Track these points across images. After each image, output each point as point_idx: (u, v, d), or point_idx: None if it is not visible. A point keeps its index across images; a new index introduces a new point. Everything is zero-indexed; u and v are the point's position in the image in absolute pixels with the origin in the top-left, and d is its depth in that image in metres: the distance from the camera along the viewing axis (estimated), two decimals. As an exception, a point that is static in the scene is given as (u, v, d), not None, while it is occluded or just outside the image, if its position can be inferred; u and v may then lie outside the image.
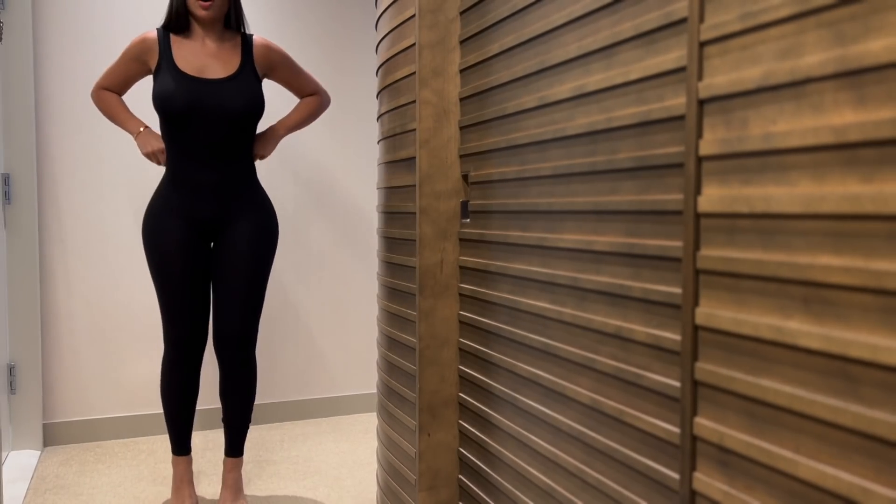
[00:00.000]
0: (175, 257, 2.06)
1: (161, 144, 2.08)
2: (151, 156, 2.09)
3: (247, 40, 2.14)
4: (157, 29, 2.09)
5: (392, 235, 1.69)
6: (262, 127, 2.85)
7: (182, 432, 2.20)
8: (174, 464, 2.21)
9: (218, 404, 3.05)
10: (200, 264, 2.10)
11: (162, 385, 2.17)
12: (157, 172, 2.92)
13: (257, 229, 2.12)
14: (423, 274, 1.48)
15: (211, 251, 2.14)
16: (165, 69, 2.04)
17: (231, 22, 2.11)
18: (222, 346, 2.13)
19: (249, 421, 2.22)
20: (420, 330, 1.48)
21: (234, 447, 2.21)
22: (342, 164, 3.23)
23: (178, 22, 2.08)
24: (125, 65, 2.11)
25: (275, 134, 2.22)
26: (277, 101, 3.04)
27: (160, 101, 2.02)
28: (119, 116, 2.15)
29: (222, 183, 2.07)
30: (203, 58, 2.07)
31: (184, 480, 2.21)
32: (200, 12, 2.03)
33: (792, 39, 0.70)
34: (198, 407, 2.98)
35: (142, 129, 2.10)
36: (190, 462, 2.23)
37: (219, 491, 2.38)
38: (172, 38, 2.08)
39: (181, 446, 2.21)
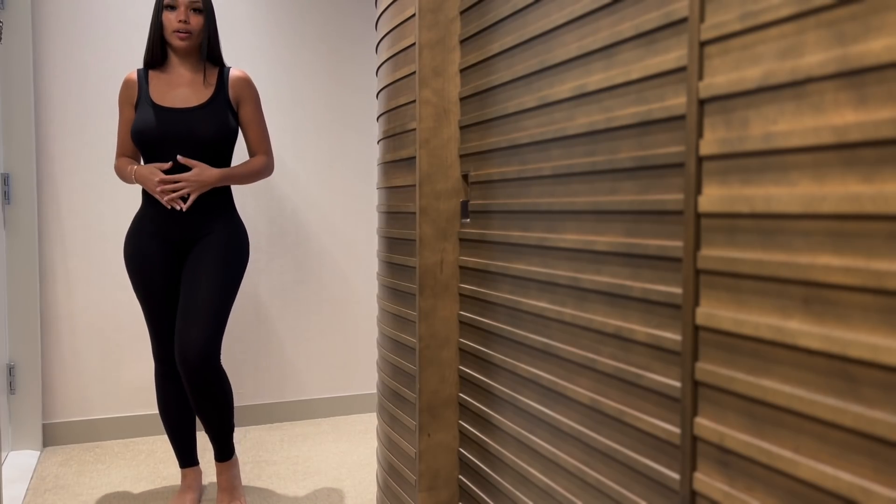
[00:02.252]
0: (156, 279, 2.10)
1: (158, 175, 2.03)
2: (162, 192, 2.02)
3: (223, 71, 2.18)
4: (138, 69, 2.15)
5: (392, 235, 1.69)
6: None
7: (185, 444, 2.22)
8: (182, 476, 2.25)
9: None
10: (179, 282, 2.14)
11: (158, 401, 2.20)
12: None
13: (223, 247, 2.10)
14: (423, 274, 1.48)
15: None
16: (143, 103, 2.10)
17: (204, 53, 2.13)
18: (183, 363, 2.01)
19: (231, 427, 2.17)
20: (420, 330, 1.48)
21: (222, 453, 2.20)
22: (342, 163, 3.23)
23: (154, 55, 2.13)
24: (121, 115, 2.15)
25: (209, 182, 2.07)
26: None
27: (136, 135, 2.07)
28: (124, 173, 2.14)
29: (197, 206, 2.09)
30: (176, 88, 2.12)
31: (191, 487, 2.24)
32: (178, 43, 2.08)
33: (792, 39, 0.70)
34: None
35: (134, 168, 2.07)
36: (199, 473, 2.27)
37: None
38: (151, 73, 2.14)
39: (187, 458, 2.24)
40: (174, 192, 2.03)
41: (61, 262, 2.82)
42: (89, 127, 2.83)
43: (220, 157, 2.13)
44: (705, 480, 0.82)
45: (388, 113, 1.70)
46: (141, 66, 2.17)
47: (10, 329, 2.69)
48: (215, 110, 2.11)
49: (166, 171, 2.06)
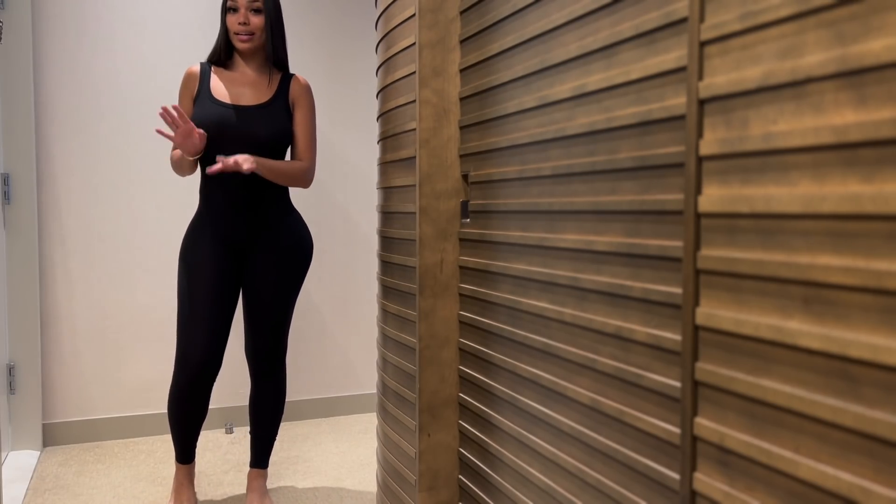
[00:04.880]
0: (203, 276, 2.09)
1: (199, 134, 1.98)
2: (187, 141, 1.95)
3: (287, 76, 2.19)
4: (202, 63, 2.16)
5: (392, 235, 1.69)
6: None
7: (188, 445, 2.22)
8: (177, 468, 2.24)
9: (219, 405, 3.05)
10: (228, 285, 2.13)
11: (171, 409, 2.14)
12: (158, 172, 2.92)
13: (287, 250, 2.16)
14: (423, 274, 1.48)
15: (241, 270, 2.17)
16: (202, 98, 2.11)
17: (270, 53, 2.14)
18: (254, 360, 2.21)
19: (276, 433, 2.28)
20: (420, 330, 1.48)
21: (260, 459, 2.27)
22: (342, 163, 3.23)
23: (220, 56, 2.16)
24: (182, 105, 2.14)
25: (254, 162, 2.00)
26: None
27: None
28: (176, 162, 2.10)
29: (253, 205, 2.11)
30: (238, 86, 2.14)
31: (183, 484, 2.23)
32: (240, 45, 2.11)
33: (792, 39, 0.70)
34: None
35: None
36: (192, 468, 2.27)
37: (219, 491, 2.38)
38: (214, 69, 2.16)
39: (186, 456, 2.23)
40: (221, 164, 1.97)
41: (61, 262, 2.82)
42: (89, 127, 2.83)
43: (276, 157, 2.14)
44: (705, 480, 0.82)
45: (387, 113, 1.70)
46: (196, 63, 2.15)
47: (10, 329, 2.69)
48: (274, 111, 2.13)
49: (226, 176, 2.08)
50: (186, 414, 2.14)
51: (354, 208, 3.26)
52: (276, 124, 2.11)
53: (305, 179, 2.17)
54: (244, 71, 2.16)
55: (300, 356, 3.20)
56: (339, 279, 3.25)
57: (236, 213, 2.10)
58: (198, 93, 2.12)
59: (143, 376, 2.94)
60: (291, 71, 3.10)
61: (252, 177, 2.09)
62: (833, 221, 0.66)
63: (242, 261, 2.17)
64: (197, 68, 2.15)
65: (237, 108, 2.09)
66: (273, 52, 2.15)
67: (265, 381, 2.22)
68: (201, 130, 1.99)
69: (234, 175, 2.09)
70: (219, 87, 2.13)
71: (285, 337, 2.23)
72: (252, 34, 2.10)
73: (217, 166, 1.94)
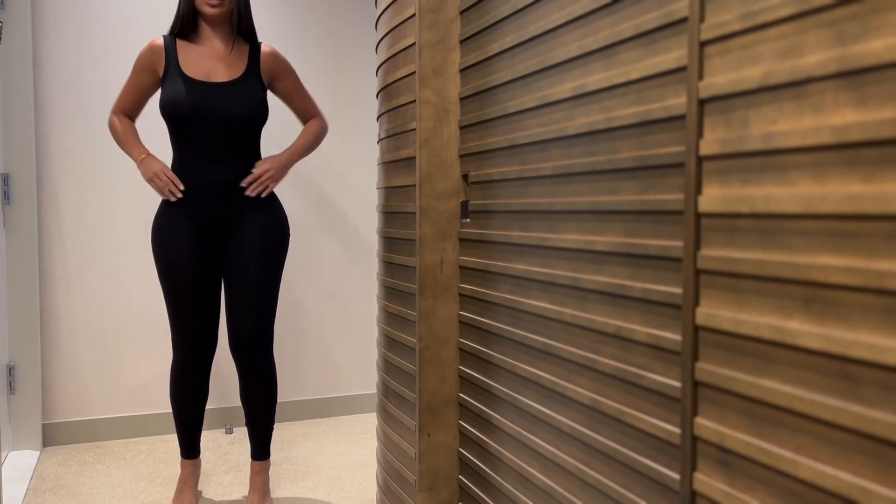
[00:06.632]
0: (183, 260, 2.06)
1: (161, 165, 2.05)
2: (153, 180, 2.04)
3: (255, 47, 2.15)
4: (164, 36, 2.10)
5: (392, 235, 1.69)
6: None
7: (191, 437, 2.21)
8: (182, 466, 2.24)
9: (219, 405, 3.05)
10: (209, 267, 2.11)
11: (171, 391, 2.17)
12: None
13: (266, 229, 2.12)
14: (423, 274, 1.48)
15: (220, 254, 2.14)
16: (172, 75, 2.05)
17: (235, 23, 2.09)
18: (239, 350, 2.12)
19: (273, 423, 2.23)
20: (420, 330, 1.48)
21: (260, 450, 2.22)
22: (342, 163, 3.23)
23: (185, 25, 2.08)
24: (136, 78, 2.10)
25: (285, 165, 2.16)
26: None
27: (167, 107, 2.03)
28: (126, 144, 2.11)
29: (229, 185, 2.07)
30: (209, 61, 2.08)
31: (187, 483, 2.23)
32: (209, 10, 2.04)
33: (792, 39, 0.70)
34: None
35: (144, 155, 2.08)
36: (197, 465, 2.26)
37: (219, 491, 2.38)
38: (179, 43, 2.09)
39: (190, 450, 2.23)
40: (262, 187, 2.10)
41: (61, 262, 2.82)
42: (89, 127, 2.83)
43: (251, 135, 2.11)
44: (705, 480, 0.82)
45: (388, 113, 1.70)
46: (160, 39, 2.11)
47: (10, 329, 2.69)
48: (249, 87, 2.09)
49: (200, 150, 2.05)
50: (186, 393, 2.14)
51: (355, 208, 3.26)
52: (252, 101, 2.07)
53: (325, 131, 2.27)
54: (212, 44, 2.10)
55: (300, 356, 3.20)
56: (339, 279, 3.25)
57: (213, 193, 2.06)
58: (166, 70, 2.06)
59: (142, 376, 2.94)
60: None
61: (227, 156, 2.06)
62: (833, 221, 0.66)
63: (222, 242, 2.12)
64: (161, 42, 2.08)
65: (212, 86, 2.04)
66: (239, 21, 2.10)
67: (255, 374, 2.13)
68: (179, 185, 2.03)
69: (212, 157, 2.05)
70: (188, 62, 2.06)
71: (272, 323, 2.14)
72: (222, 1, 2.04)
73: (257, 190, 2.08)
